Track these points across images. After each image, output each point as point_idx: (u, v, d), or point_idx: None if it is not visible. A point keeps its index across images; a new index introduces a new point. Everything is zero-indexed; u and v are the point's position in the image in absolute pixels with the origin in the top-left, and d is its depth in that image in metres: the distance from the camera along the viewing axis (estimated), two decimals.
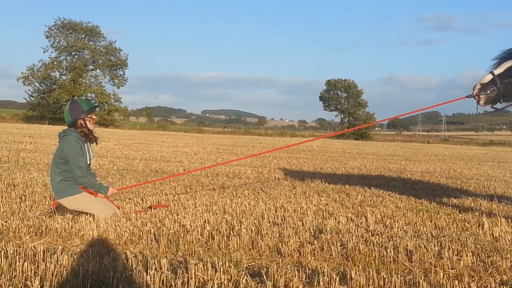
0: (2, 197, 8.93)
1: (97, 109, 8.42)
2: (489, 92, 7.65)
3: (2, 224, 6.94)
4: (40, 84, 76.46)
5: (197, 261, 5.55)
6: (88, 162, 8.29)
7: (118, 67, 79.90)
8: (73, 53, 78.09)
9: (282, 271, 5.29)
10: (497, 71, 7.64)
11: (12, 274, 4.98)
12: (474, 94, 7.74)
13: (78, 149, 8.05)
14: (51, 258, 5.39)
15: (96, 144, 8.55)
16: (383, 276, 5.24)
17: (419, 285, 5.02)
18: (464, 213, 9.18)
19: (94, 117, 8.38)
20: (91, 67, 79.50)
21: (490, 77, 7.67)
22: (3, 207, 8.08)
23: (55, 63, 76.85)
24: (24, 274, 4.98)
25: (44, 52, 79.88)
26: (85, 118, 8.24)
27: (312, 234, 7.07)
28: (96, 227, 6.97)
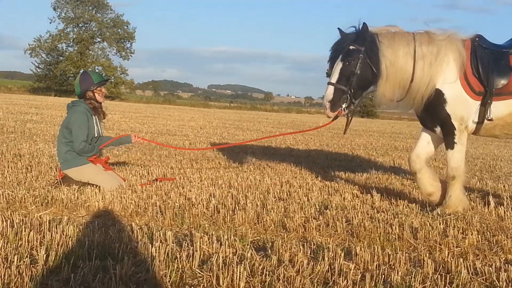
0: (8, 167, 8.95)
1: (108, 82, 8.39)
2: (345, 105, 7.33)
3: (8, 193, 6.95)
4: (47, 56, 76.27)
5: (202, 234, 5.56)
6: (96, 135, 8.28)
7: (125, 40, 79.65)
8: (80, 25, 77.81)
9: (287, 246, 5.29)
10: (333, 79, 7.40)
11: (18, 243, 5.00)
12: (339, 114, 7.41)
13: (84, 121, 8.05)
14: (56, 228, 5.41)
15: (104, 118, 8.53)
16: (388, 252, 5.25)
17: (423, 263, 5.01)
18: (469, 192, 9.15)
19: (103, 90, 8.38)
20: (98, 39, 79.25)
21: (332, 89, 7.34)
22: (9, 177, 8.10)
23: (62, 34, 76.59)
24: (30, 244, 5.00)
25: (50, 23, 79.68)
26: (94, 91, 8.24)
27: (317, 209, 7.07)
28: (102, 199, 6.98)
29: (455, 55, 7.27)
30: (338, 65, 7.30)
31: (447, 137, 7.49)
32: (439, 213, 7.24)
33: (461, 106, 7.28)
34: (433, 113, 7.46)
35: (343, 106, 7.32)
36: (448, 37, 7.35)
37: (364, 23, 7.23)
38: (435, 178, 7.85)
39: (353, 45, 7.25)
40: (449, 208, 7.33)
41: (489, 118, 7.21)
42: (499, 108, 7.24)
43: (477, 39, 7.48)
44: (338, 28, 7.43)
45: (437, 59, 7.22)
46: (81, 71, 8.59)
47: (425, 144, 7.85)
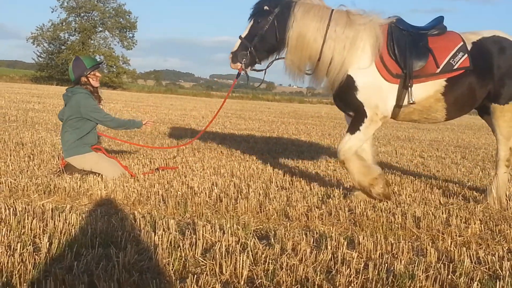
0: (10, 156, 8.95)
1: (102, 66, 8.30)
2: (244, 60, 7.32)
3: (11, 182, 6.96)
4: (49, 45, 76.18)
5: (205, 222, 5.56)
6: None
7: (128, 30, 79.43)
8: (82, 14, 77.61)
9: (290, 235, 5.30)
10: (243, 34, 7.38)
11: (21, 231, 5.00)
12: (239, 70, 7.45)
13: (94, 103, 8.08)
14: (59, 217, 5.41)
15: (99, 103, 8.46)
16: (390, 241, 5.25)
17: (426, 252, 5.02)
18: (472, 182, 9.17)
19: (97, 74, 8.31)
20: (100, 28, 79.07)
21: (238, 42, 7.41)
22: (11, 166, 8.10)
23: (64, 24, 76.43)
24: (32, 232, 5.00)
25: (52, 12, 79.59)
26: (88, 75, 8.19)
27: (320, 199, 7.07)
28: (104, 187, 6.98)
29: (372, 40, 7.08)
30: (250, 23, 7.36)
31: (354, 122, 7.25)
32: (353, 197, 7.18)
33: (375, 93, 7.09)
34: (345, 100, 7.31)
35: (242, 61, 7.34)
36: (368, 21, 7.17)
37: None
38: (368, 167, 7.38)
39: (267, 6, 7.22)
40: (358, 183, 7.20)
41: (412, 101, 7.07)
42: (417, 91, 7.10)
43: (394, 21, 7.34)
44: None
45: (352, 44, 7.05)
46: (74, 58, 8.54)
47: None
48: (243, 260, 4.40)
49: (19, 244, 4.50)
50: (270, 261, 4.56)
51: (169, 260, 4.47)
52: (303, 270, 4.39)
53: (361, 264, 4.68)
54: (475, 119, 40.74)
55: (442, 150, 14.99)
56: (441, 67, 7.08)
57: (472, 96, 7.26)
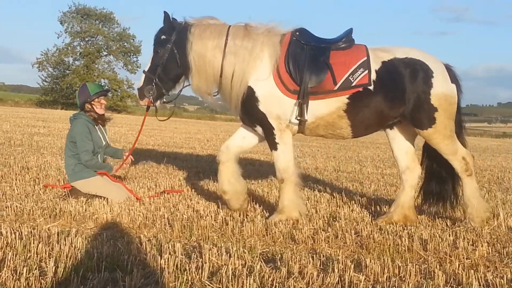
0: (16, 180, 8.95)
1: (109, 94, 8.24)
2: (150, 94, 7.30)
3: (16, 206, 6.96)
4: (53, 69, 76.46)
5: (211, 246, 5.55)
6: (103, 143, 8.30)
7: (132, 54, 79.73)
8: (86, 39, 77.99)
9: (296, 258, 5.28)
10: (146, 67, 7.37)
11: (27, 255, 4.99)
12: (148, 104, 7.47)
13: (85, 133, 8.05)
14: (65, 240, 5.41)
15: (104, 125, 8.47)
16: (398, 264, 5.22)
17: (434, 274, 4.98)
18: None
19: (102, 101, 8.32)
20: (104, 53, 79.38)
21: (143, 77, 7.40)
22: (17, 190, 8.10)
23: (68, 48, 76.79)
24: (38, 256, 4.99)
25: (58, 37, 79.97)
26: (92, 102, 8.21)
27: (326, 221, 7.05)
28: (110, 211, 6.98)
29: (271, 50, 7.01)
30: (152, 54, 7.35)
31: (268, 138, 7.25)
32: (271, 219, 6.99)
33: (276, 104, 7.00)
34: (249, 112, 7.22)
35: (149, 95, 7.31)
36: (267, 31, 7.11)
37: (164, 12, 7.20)
38: (237, 178, 7.50)
39: (164, 35, 7.22)
40: (283, 213, 7.09)
41: (304, 119, 6.94)
42: (319, 107, 6.97)
43: (297, 33, 7.20)
44: (164, 12, 7.31)
45: (251, 55, 6.98)
46: (82, 84, 8.58)
47: (239, 138, 7.61)
48: (249, 284, 4.39)
49: (25, 269, 4.49)
50: (277, 285, 4.54)
51: (175, 284, 4.46)
52: None
53: (368, 287, 4.65)
54: (479, 140, 40.69)
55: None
56: (339, 84, 6.91)
57: (379, 116, 7.10)
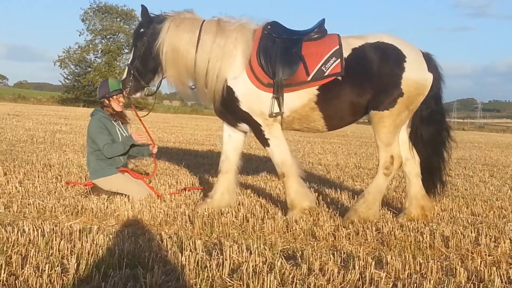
0: (38, 177, 9.02)
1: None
2: (128, 86, 7.49)
3: (39, 203, 7.01)
4: (75, 67, 76.88)
5: (231, 243, 5.55)
6: (120, 140, 8.29)
7: None
8: (108, 36, 78.36)
9: (317, 255, 5.27)
10: (129, 61, 7.53)
11: (49, 252, 5.02)
12: (127, 95, 7.63)
13: (99, 128, 8.07)
14: (87, 237, 5.43)
15: (124, 123, 8.48)
16: (419, 261, 5.20)
17: (456, 271, 4.95)
18: (501, 201, 9.06)
19: (121, 99, 8.29)
20: (125, 50, 79.63)
21: (126, 70, 7.55)
22: (39, 187, 8.16)
23: (90, 46, 77.19)
24: (60, 253, 5.02)
25: (79, 35, 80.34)
26: (111, 99, 8.24)
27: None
28: (131, 208, 7.01)
29: (244, 47, 6.99)
30: (133, 48, 7.48)
31: (257, 136, 7.27)
32: (289, 217, 6.95)
33: (255, 101, 6.98)
34: (232, 113, 7.23)
35: (128, 87, 7.48)
36: (240, 27, 7.09)
37: (142, 5, 7.28)
38: (231, 193, 7.59)
39: (142, 28, 7.36)
40: (294, 207, 7.07)
41: (281, 111, 6.90)
42: (292, 100, 6.91)
43: (268, 27, 7.15)
44: (142, 5, 7.41)
45: (224, 52, 6.98)
46: (104, 79, 8.64)
47: (228, 139, 7.72)
48: (270, 281, 4.39)
49: (47, 265, 4.52)
50: (298, 281, 4.54)
51: (196, 281, 4.47)
52: None
53: (389, 284, 4.63)
54: (502, 136, 40.35)
55: (470, 168, 14.84)
56: (311, 74, 6.83)
57: (351, 105, 6.95)
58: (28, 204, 6.97)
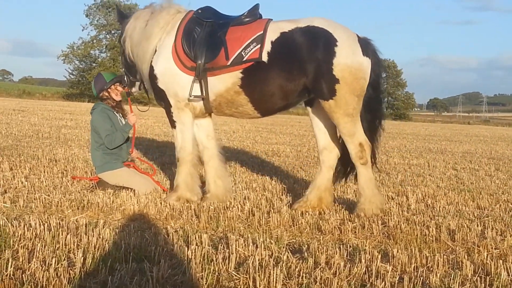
0: (44, 172, 9.03)
1: (122, 78, 8.23)
2: (125, 83, 8.01)
3: (45, 198, 7.02)
4: (80, 62, 76.82)
5: (237, 237, 5.55)
6: None
7: None
8: (112, 32, 78.26)
9: (323, 248, 5.27)
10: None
11: (56, 246, 5.04)
12: (124, 90, 8.16)
13: (102, 117, 8.08)
14: (93, 232, 5.45)
15: (121, 117, 8.44)
16: (425, 254, 5.20)
17: (462, 265, 4.95)
18: (507, 194, 9.05)
19: (119, 87, 8.31)
20: None
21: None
22: (45, 182, 8.17)
23: (94, 41, 77.13)
24: (67, 247, 5.04)
25: (82, 30, 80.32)
26: (109, 89, 8.25)
27: (353, 212, 7.02)
28: (137, 202, 7.02)
29: (169, 29, 7.20)
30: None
31: (167, 115, 7.45)
32: (167, 199, 7.22)
33: (173, 81, 7.13)
34: (153, 90, 7.47)
35: (124, 83, 8.00)
36: (167, 11, 7.33)
37: (115, 5, 7.74)
38: (223, 178, 7.67)
39: (121, 26, 7.89)
40: (175, 192, 7.32)
41: (202, 95, 7.01)
42: (216, 84, 6.96)
43: (199, 11, 7.24)
44: (116, 6, 7.84)
45: (146, 36, 7.26)
46: (96, 74, 8.70)
47: (200, 131, 7.73)
48: (276, 274, 4.39)
49: (54, 259, 4.53)
50: (304, 275, 4.54)
51: (202, 275, 4.47)
52: (337, 284, 4.37)
53: (395, 277, 4.63)
54: (508, 130, 40.24)
55: (476, 162, 14.82)
56: (231, 59, 6.81)
57: (279, 90, 6.83)
58: (34, 199, 6.99)
